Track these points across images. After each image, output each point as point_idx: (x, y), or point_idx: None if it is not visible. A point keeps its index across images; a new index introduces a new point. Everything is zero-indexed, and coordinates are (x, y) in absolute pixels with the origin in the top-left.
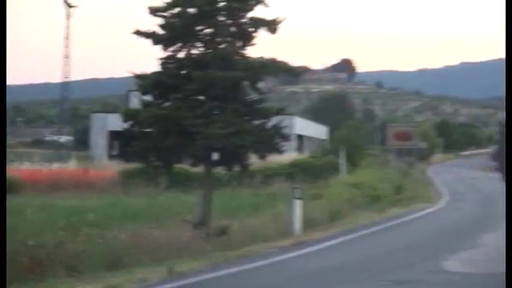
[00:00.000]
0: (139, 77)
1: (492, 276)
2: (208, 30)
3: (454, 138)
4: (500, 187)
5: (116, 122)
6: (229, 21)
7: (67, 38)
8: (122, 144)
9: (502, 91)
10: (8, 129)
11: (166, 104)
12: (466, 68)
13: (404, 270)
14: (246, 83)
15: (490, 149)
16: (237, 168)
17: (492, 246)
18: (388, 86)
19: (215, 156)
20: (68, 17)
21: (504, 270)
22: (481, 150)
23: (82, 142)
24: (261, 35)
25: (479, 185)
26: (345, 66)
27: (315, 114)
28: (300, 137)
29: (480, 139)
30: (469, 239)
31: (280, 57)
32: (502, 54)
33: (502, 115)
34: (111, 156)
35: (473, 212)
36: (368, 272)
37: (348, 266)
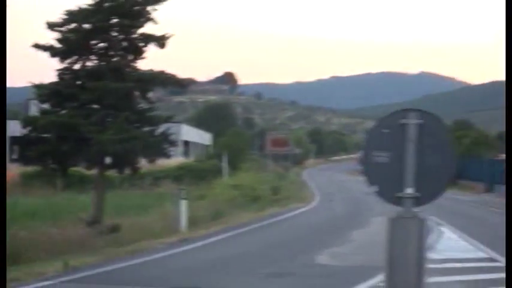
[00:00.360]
0: (38, 87)
1: (360, 268)
2: (102, 45)
3: (325, 144)
4: (367, 189)
5: (16, 128)
6: (122, 37)
7: None
8: (22, 148)
9: (368, 102)
10: None
11: (63, 111)
12: (336, 81)
13: (280, 264)
14: (136, 93)
15: (358, 155)
16: (128, 171)
17: (360, 242)
18: (267, 97)
19: (108, 160)
20: None
21: (369, 263)
22: (350, 156)
23: None
24: (151, 49)
25: (348, 187)
26: (228, 78)
27: (200, 122)
28: (187, 143)
29: (349, 145)
30: (339, 235)
31: (169, 69)
32: (368, 68)
33: (368, 124)
34: (12, 160)
35: (342, 210)
36: (247, 265)
37: (229, 260)
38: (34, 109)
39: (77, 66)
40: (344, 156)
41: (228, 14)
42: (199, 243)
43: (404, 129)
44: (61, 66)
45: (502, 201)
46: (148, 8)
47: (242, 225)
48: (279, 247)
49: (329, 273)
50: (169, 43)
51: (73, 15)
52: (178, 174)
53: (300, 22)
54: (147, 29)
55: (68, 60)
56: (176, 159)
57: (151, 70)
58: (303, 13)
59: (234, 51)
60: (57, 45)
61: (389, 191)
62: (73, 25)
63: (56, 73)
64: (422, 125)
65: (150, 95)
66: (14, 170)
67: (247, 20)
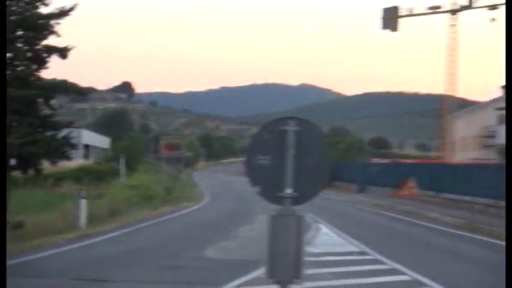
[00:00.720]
0: None
1: (244, 261)
2: (8, 55)
3: (215, 148)
4: (251, 189)
5: None
6: (26, 48)
7: None
8: None
9: (253, 110)
10: None
11: None
12: (225, 91)
13: (172, 258)
14: (40, 100)
15: (244, 158)
16: (31, 171)
17: (245, 237)
18: (162, 105)
19: (13, 161)
20: None
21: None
22: (237, 159)
23: None
24: (55, 60)
25: (235, 187)
26: (125, 87)
27: (99, 127)
28: (87, 146)
29: (236, 149)
30: (226, 231)
31: (71, 78)
32: (254, 80)
33: (253, 130)
34: None
35: (229, 209)
36: (142, 259)
37: (125, 254)
38: None
39: None
40: (232, 160)
41: (126, 28)
42: (98, 239)
43: (284, 135)
44: None
45: (371, 200)
46: (52, 22)
47: (137, 222)
48: (171, 242)
49: (217, 266)
50: (71, 54)
51: None
52: (79, 175)
53: (191, 35)
54: (51, 41)
55: None
56: (77, 162)
57: (54, 79)
58: (194, 27)
59: (132, 62)
60: None
61: (270, 191)
62: None
63: None
64: (301, 132)
65: (53, 102)
66: None
67: (143, 33)
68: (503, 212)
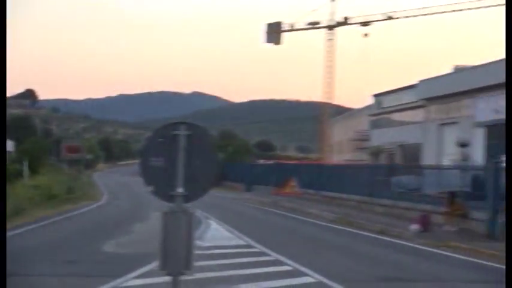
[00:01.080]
0: None
1: (140, 255)
2: None
3: (113, 151)
4: (146, 188)
5: None
6: None
7: None
8: None
9: (149, 116)
10: None
11: None
12: (123, 98)
13: (73, 252)
14: None
15: (139, 160)
16: None
17: (141, 233)
18: (63, 111)
19: None
20: None
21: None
22: (133, 161)
23: None
24: None
25: (131, 187)
26: (28, 94)
27: None
28: None
29: (134, 152)
30: (124, 227)
31: None
32: (149, 88)
33: (148, 134)
34: None
35: (127, 207)
36: (45, 254)
37: (28, 250)
38: None
39: None
40: (129, 161)
41: (29, 36)
42: None
43: (176, 138)
44: None
45: (258, 198)
46: None
47: (40, 220)
48: (72, 238)
49: (114, 259)
50: None
51: None
52: None
53: (91, 45)
54: None
55: None
56: None
57: None
58: (93, 38)
59: (35, 70)
60: None
61: (163, 190)
62: None
63: None
64: (191, 136)
65: None
66: None
67: (45, 42)
68: (375, 208)
